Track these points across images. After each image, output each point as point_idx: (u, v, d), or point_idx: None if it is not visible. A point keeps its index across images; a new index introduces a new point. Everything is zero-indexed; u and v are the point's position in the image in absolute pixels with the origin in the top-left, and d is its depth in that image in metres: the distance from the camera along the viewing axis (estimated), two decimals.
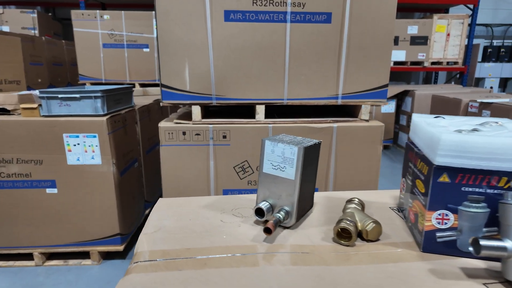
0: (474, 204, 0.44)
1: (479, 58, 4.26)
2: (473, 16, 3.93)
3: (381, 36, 1.36)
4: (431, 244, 0.48)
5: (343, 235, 0.50)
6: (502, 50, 4.28)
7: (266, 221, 0.54)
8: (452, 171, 0.44)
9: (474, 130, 0.47)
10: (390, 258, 0.46)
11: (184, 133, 1.38)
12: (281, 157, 0.52)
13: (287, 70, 1.36)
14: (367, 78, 1.41)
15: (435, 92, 3.07)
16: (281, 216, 0.51)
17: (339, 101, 1.43)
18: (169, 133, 1.37)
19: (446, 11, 4.41)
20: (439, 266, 0.45)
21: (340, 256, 0.46)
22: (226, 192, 1.46)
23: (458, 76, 4.44)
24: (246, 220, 0.56)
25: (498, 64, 4.30)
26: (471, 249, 0.40)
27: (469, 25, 3.97)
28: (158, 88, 2.49)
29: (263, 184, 0.54)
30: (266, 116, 1.45)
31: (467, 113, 2.54)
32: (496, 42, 4.47)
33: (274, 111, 1.61)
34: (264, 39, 1.32)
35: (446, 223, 0.46)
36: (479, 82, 4.37)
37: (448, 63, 4.06)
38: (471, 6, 3.97)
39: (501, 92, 4.04)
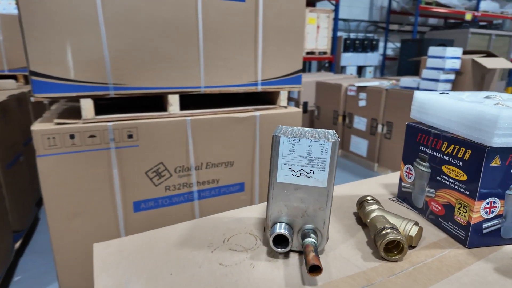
0: None
1: (342, 49, 4.91)
2: (336, 11, 4.46)
3: (295, 19, 1.31)
4: (477, 237, 0.42)
5: (389, 248, 0.39)
6: (357, 42, 5.03)
7: (288, 251, 0.38)
8: (504, 152, 0.39)
9: (497, 104, 0.43)
10: (452, 265, 0.38)
11: (72, 136, 1.03)
12: (306, 157, 0.36)
13: (202, 53, 1.17)
14: (284, 63, 1.35)
15: (317, 79, 3.35)
16: (315, 241, 0.36)
17: (259, 88, 1.33)
18: (49, 138, 1.00)
19: (314, 6, 4.88)
20: (499, 262, 0.39)
21: (404, 279, 0.35)
22: (138, 204, 1.18)
23: (327, 65, 5.02)
24: (255, 255, 0.39)
25: (355, 54, 5.04)
26: None
27: (333, 19, 4.49)
28: (10, 81, 1.86)
29: (278, 198, 0.38)
30: (182, 108, 1.23)
31: (346, 97, 2.85)
32: (352, 35, 5.23)
33: (190, 101, 1.40)
34: (173, 14, 1.09)
35: (493, 212, 0.41)
36: (342, 69, 5.04)
37: (319, 53, 4.52)
38: (334, 2, 4.49)
39: (361, 77, 4.77)
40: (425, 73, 2.24)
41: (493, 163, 0.39)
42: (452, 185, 0.43)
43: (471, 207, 0.41)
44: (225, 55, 1.21)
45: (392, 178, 0.65)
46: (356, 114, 2.73)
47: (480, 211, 0.40)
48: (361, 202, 0.48)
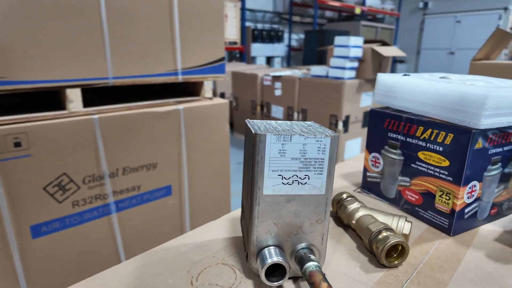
0: (495, 167, 0.40)
1: (251, 39, 4.94)
2: (242, 1, 4.44)
3: (213, 1, 1.20)
4: (460, 224, 0.40)
5: (388, 251, 0.34)
6: (264, 33, 5.13)
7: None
8: (486, 133, 0.37)
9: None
10: (450, 261, 0.35)
11: None
12: (300, 159, 0.28)
13: (108, 37, 0.98)
14: (206, 49, 1.23)
15: (232, 69, 3.29)
16: (318, 264, 0.28)
17: (180, 78, 1.19)
18: None
19: None
20: (486, 247, 0.37)
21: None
22: (37, 228, 0.95)
23: (238, 55, 5.00)
24: None
25: (263, 45, 5.14)
26: None
27: (241, 9, 4.47)
28: None
29: (266, 215, 0.29)
30: (86, 104, 1.02)
31: (263, 86, 2.87)
32: (259, 26, 5.31)
33: (97, 97, 1.16)
34: None
35: (473, 196, 0.39)
36: (253, 60, 5.09)
37: (230, 43, 4.46)
38: None
39: (271, 67, 4.89)
40: (332, 61, 2.38)
41: (477, 145, 0.37)
42: (431, 172, 0.41)
43: (456, 193, 0.38)
44: (136, 39, 1.03)
45: (346, 167, 0.62)
46: (273, 103, 2.77)
47: (464, 197, 0.39)
48: (338, 201, 0.42)
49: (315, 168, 0.28)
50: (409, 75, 0.47)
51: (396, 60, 7.56)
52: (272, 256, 0.28)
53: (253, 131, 0.28)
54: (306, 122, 0.34)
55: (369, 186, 0.51)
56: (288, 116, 2.65)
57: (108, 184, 1.06)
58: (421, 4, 7.26)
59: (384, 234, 0.34)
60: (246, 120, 0.33)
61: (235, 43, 4.49)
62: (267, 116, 2.87)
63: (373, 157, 0.49)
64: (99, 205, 1.06)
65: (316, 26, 5.23)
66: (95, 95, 1.18)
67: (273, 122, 0.32)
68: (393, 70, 6.84)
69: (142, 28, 1.03)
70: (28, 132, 0.87)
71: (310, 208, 0.29)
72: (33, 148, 0.89)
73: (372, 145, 0.48)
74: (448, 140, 0.38)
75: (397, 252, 0.34)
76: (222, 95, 3.31)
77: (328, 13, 6.69)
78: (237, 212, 0.44)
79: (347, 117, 2.35)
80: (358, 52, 2.32)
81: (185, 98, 1.22)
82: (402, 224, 0.36)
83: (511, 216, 0.45)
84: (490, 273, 0.33)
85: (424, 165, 0.42)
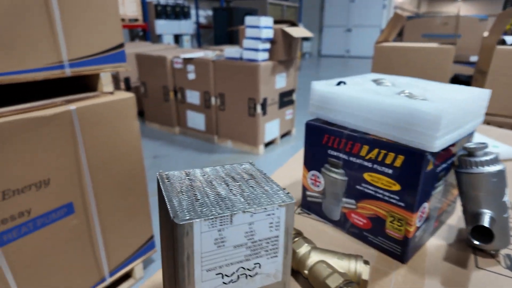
0: (440, 182, 0.37)
1: (154, 16, 4.51)
2: None
3: None
4: (411, 249, 0.37)
5: None
6: (168, 8, 4.74)
7: None
8: (436, 153, 0.33)
9: (409, 95, 0.37)
10: None
11: None
12: (246, 245, 0.19)
13: None
14: (99, 35, 1.02)
15: (135, 50, 2.94)
16: None
17: (68, 71, 0.97)
18: None
19: None
20: (442, 272, 0.35)
21: None
22: None
23: (141, 33, 4.53)
24: None
25: (169, 22, 4.76)
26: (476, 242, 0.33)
27: None
28: None
29: None
30: None
31: (174, 70, 2.64)
32: (161, 1, 4.87)
33: None
34: None
35: (423, 217, 0.36)
36: (159, 38, 4.69)
37: (130, 20, 3.99)
38: None
39: (180, 47, 4.58)
40: (245, 43, 2.30)
41: (428, 167, 0.33)
42: (380, 195, 0.36)
43: (408, 220, 0.35)
44: None
45: (282, 177, 0.56)
46: (188, 88, 2.59)
47: (416, 221, 0.35)
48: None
49: (267, 251, 0.20)
50: (344, 83, 0.41)
51: (303, 38, 7.93)
52: None
53: (171, 215, 0.18)
54: (243, 166, 0.25)
55: (309, 205, 0.45)
56: (205, 102, 2.51)
57: None
58: None
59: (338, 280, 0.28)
60: (157, 175, 0.22)
61: (136, 20, 4.04)
62: (182, 102, 2.68)
63: (313, 175, 0.43)
64: None
65: (223, 2, 5.05)
66: None
67: (198, 176, 0.22)
68: (299, 48, 7.15)
69: (2, 12, 0.78)
70: None
71: None
72: None
73: (311, 163, 0.42)
74: (398, 163, 0.34)
75: None
76: (127, 82, 2.96)
77: None
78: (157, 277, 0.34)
79: (265, 100, 2.34)
80: (269, 33, 2.28)
81: (77, 95, 1.00)
82: (360, 268, 0.31)
83: (448, 224, 0.45)
84: None
85: (371, 187, 0.37)
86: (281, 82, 2.49)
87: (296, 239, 0.35)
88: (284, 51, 2.39)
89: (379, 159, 0.35)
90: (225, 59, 2.38)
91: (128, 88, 2.97)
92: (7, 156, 0.81)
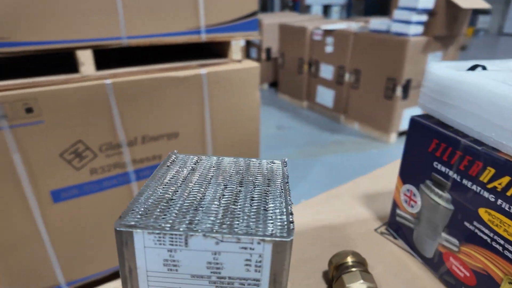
0: None
1: None
2: None
3: None
4: None
5: None
6: None
7: None
8: None
9: None
10: None
11: None
12: (210, 279, 0.14)
13: None
14: (234, 2, 1.05)
15: (280, 20, 2.99)
16: None
17: (203, 37, 1.04)
18: None
19: None
20: None
21: None
22: (57, 193, 0.94)
23: (291, 3, 4.57)
24: None
25: None
26: None
27: None
28: None
29: None
30: (98, 67, 0.94)
31: (312, 42, 2.58)
32: None
33: (109, 57, 1.08)
34: None
35: None
36: (307, 9, 4.63)
37: None
38: None
39: (327, 18, 4.43)
40: (396, 14, 2.00)
41: None
42: (498, 246, 0.24)
43: None
44: None
45: (377, 181, 0.46)
46: (323, 62, 2.50)
47: None
48: (338, 266, 0.28)
49: None
50: (484, 67, 0.28)
51: (476, 11, 6.40)
52: None
53: (121, 213, 0.14)
54: (270, 165, 0.19)
55: (398, 227, 0.35)
56: (339, 77, 2.38)
57: (127, 153, 1.01)
58: None
59: None
60: (169, 154, 0.19)
61: None
62: (315, 76, 2.61)
63: (408, 190, 0.32)
64: (118, 173, 1.02)
65: None
66: (111, 58, 1.09)
67: (204, 167, 0.18)
68: (472, 23, 5.80)
69: None
70: (38, 98, 0.82)
71: None
72: (46, 115, 0.84)
73: (408, 174, 0.32)
74: None
75: None
76: (268, 52, 3.08)
77: None
78: None
79: (408, 82, 2.03)
80: (429, 3, 1.91)
81: (209, 60, 1.08)
82: None
83: None
84: None
85: (486, 231, 0.25)
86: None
87: (353, 269, 0.27)
88: (445, 25, 1.97)
89: (509, 193, 0.23)
90: (369, 31, 2.15)
91: (268, 58, 3.09)
92: (148, 107, 0.96)
